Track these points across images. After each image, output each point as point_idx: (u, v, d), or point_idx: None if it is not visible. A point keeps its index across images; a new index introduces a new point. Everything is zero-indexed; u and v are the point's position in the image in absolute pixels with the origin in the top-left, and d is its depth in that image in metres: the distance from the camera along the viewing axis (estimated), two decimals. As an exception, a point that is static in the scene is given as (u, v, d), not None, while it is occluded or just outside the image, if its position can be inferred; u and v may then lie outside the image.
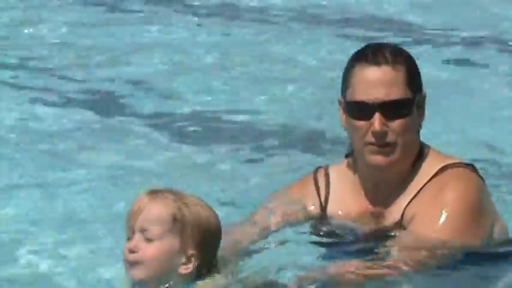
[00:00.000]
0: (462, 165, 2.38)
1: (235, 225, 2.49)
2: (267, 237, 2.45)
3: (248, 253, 2.34)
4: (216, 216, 2.15)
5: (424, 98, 2.38)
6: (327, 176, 2.49)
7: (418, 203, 2.31)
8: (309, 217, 2.46)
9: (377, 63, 2.28)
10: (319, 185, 2.47)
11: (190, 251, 2.09)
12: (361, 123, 2.27)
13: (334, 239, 2.42)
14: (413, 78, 2.33)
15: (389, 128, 2.25)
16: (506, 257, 2.32)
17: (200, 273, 2.10)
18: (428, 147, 2.43)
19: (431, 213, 2.27)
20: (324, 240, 2.41)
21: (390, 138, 2.26)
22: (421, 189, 2.33)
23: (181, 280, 2.08)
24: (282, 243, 2.41)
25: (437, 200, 2.28)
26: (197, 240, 2.08)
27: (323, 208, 2.45)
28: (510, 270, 2.25)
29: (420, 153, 2.38)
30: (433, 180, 2.32)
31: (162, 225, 2.06)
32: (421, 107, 2.37)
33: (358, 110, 2.29)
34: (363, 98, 2.28)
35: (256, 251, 2.38)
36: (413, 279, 2.15)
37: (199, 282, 2.08)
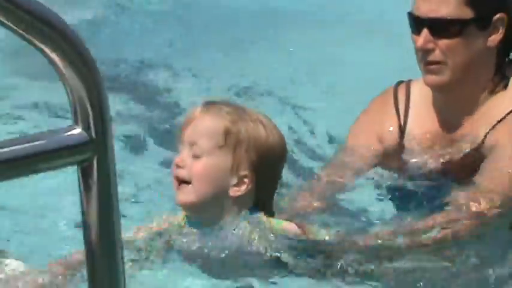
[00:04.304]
0: None
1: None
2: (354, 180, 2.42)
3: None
4: (280, 138, 1.92)
5: (500, 20, 2.22)
6: (407, 91, 2.41)
7: (501, 131, 2.22)
8: (388, 139, 2.40)
9: None
10: (399, 102, 2.40)
11: (243, 172, 1.86)
12: (415, 37, 2.26)
13: (409, 165, 2.37)
14: None
15: (438, 46, 2.21)
16: None
17: (259, 203, 1.89)
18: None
19: None
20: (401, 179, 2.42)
21: (437, 56, 2.22)
22: (504, 117, 2.25)
23: (236, 208, 1.85)
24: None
25: None
26: (252, 160, 1.83)
27: (402, 127, 2.38)
28: None
29: (501, 78, 2.28)
30: None
31: (213, 139, 1.82)
32: (495, 29, 2.24)
33: (412, 24, 2.29)
34: (414, 12, 2.28)
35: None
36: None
37: (261, 216, 1.86)
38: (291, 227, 1.90)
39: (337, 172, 2.39)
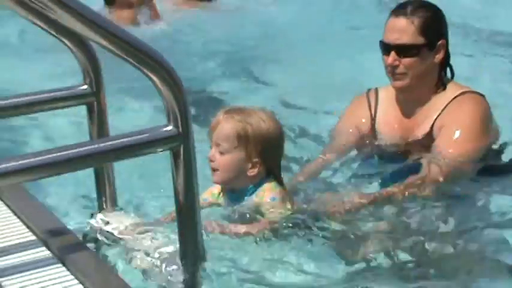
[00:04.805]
0: (475, 92, 3.03)
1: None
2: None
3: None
4: (277, 128, 2.52)
5: (442, 44, 2.94)
6: (376, 95, 3.14)
7: (444, 118, 2.94)
8: (363, 127, 3.11)
9: (397, 15, 2.93)
10: (370, 102, 3.14)
11: (254, 159, 2.47)
12: (385, 57, 2.94)
13: (380, 146, 3.08)
14: (428, 29, 2.91)
15: (401, 62, 2.91)
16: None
17: (269, 176, 2.54)
18: (450, 80, 3.05)
19: (454, 123, 2.93)
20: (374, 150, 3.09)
21: (401, 69, 2.92)
22: (445, 108, 2.96)
23: (251, 181, 2.50)
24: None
25: (458, 114, 2.95)
26: (259, 150, 2.47)
27: (373, 119, 3.11)
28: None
29: (442, 83, 3.01)
30: (454, 101, 2.97)
31: (229, 142, 2.46)
32: (438, 50, 2.94)
33: (382, 48, 2.96)
34: (384, 40, 2.95)
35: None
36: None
37: (266, 184, 2.51)
38: (270, 193, 2.51)
39: (328, 152, 3.11)
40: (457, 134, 2.91)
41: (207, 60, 5.48)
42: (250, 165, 2.47)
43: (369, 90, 3.17)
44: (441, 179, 2.78)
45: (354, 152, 3.07)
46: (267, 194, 2.48)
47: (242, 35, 6.15)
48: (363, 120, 3.12)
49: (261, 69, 5.24)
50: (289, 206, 2.50)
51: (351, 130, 3.12)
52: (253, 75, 5.10)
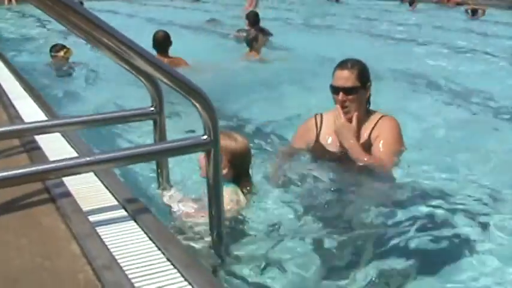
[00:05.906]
0: (390, 115, 4.43)
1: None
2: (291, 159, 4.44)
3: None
4: (243, 148, 3.56)
5: (369, 86, 4.33)
6: (321, 117, 4.52)
7: (377, 130, 4.27)
8: (311, 139, 4.44)
9: (342, 68, 4.30)
10: (317, 121, 4.51)
11: (226, 163, 3.41)
12: (335, 96, 4.31)
13: (327, 151, 4.41)
14: (362, 76, 4.29)
15: (348, 99, 4.27)
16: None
17: (236, 178, 3.55)
18: (374, 109, 4.42)
19: (386, 132, 4.28)
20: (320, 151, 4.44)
21: (347, 104, 4.28)
22: (376, 124, 4.32)
23: (225, 179, 3.28)
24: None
25: (386, 127, 4.30)
26: (228, 158, 3.45)
27: (318, 133, 4.45)
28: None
29: (369, 110, 4.39)
30: (380, 120, 4.34)
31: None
32: (367, 90, 4.33)
33: (332, 90, 4.32)
34: (334, 84, 4.31)
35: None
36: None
37: (232, 184, 3.50)
38: (225, 192, 3.26)
39: (286, 156, 4.54)
40: (388, 140, 4.24)
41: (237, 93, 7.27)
42: (225, 167, 3.39)
43: (316, 114, 4.50)
44: (388, 164, 4.11)
45: (306, 154, 4.38)
46: None
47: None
48: (311, 136, 4.40)
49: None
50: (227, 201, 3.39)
51: (302, 142, 4.47)
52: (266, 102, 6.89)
